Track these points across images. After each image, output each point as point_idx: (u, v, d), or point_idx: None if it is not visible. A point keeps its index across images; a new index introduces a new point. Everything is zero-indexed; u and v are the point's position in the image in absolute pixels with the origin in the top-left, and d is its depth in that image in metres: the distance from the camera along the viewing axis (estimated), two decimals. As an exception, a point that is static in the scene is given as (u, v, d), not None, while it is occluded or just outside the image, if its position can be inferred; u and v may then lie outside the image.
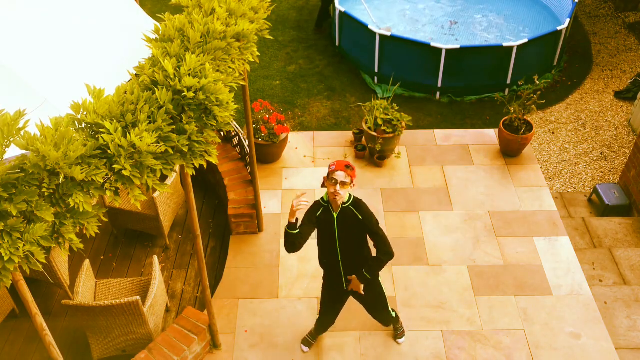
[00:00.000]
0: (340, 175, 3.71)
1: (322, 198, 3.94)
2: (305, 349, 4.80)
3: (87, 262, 4.76)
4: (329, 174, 3.77)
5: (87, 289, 4.67)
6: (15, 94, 3.42)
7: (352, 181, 3.75)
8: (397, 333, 4.87)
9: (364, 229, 3.93)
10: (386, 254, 3.93)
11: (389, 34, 7.93)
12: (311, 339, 4.79)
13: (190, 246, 5.90)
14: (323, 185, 3.85)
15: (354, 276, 4.11)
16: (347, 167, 3.73)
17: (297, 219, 3.85)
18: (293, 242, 3.84)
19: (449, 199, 6.17)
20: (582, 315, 5.06)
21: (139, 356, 4.47)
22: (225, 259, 5.64)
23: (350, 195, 3.89)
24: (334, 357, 4.78)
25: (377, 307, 4.51)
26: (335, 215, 3.87)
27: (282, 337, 4.94)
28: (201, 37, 3.32)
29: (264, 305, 5.18)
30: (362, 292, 4.15)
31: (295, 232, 3.83)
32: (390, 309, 4.59)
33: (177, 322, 4.70)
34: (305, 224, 3.91)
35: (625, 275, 5.54)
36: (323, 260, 4.23)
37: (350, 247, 4.03)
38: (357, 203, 3.89)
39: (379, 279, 4.32)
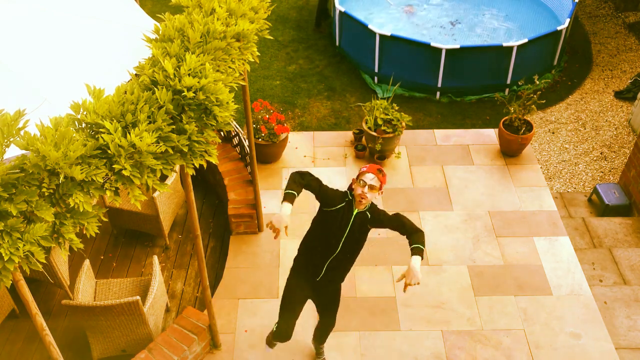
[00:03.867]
0: (370, 178, 3.58)
1: (350, 192, 3.75)
2: (269, 350, 4.64)
3: (87, 262, 4.76)
4: (359, 175, 3.64)
5: (87, 289, 4.67)
6: (15, 93, 3.42)
7: (380, 187, 3.62)
8: (320, 356, 4.74)
9: (367, 231, 3.81)
10: (420, 230, 3.73)
11: (412, 12, 7.94)
12: (270, 345, 4.62)
13: (190, 246, 5.90)
14: (350, 187, 3.74)
15: (414, 262, 3.56)
16: (379, 171, 3.61)
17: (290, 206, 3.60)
18: (298, 183, 3.66)
19: (449, 198, 6.17)
20: (582, 315, 5.06)
21: (139, 356, 4.47)
22: (225, 259, 5.65)
23: (371, 203, 3.77)
24: (334, 357, 4.78)
25: (334, 307, 4.32)
26: (354, 212, 3.72)
27: (282, 337, 4.94)
28: (201, 37, 3.32)
29: (264, 305, 5.18)
30: (419, 282, 3.59)
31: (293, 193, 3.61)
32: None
33: (177, 322, 4.70)
34: (323, 188, 3.73)
35: (625, 275, 5.54)
36: (310, 250, 3.98)
37: (348, 251, 3.90)
38: (374, 208, 3.78)
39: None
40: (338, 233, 3.80)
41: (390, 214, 3.80)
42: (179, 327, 4.65)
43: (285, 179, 6.38)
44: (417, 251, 3.62)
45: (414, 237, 3.70)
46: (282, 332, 4.31)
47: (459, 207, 6.08)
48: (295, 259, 4.16)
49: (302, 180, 3.68)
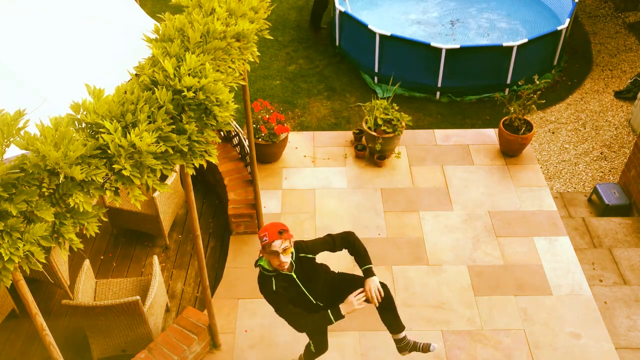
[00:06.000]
0: (278, 245, 3.36)
1: (262, 269, 3.56)
2: None
3: (87, 262, 4.75)
4: (264, 247, 3.39)
5: (87, 288, 4.67)
6: (15, 93, 3.42)
7: (290, 242, 3.43)
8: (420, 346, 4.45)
9: (317, 264, 3.72)
10: (351, 243, 3.66)
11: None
12: None
13: (190, 246, 5.90)
14: (257, 263, 3.56)
15: (366, 284, 3.64)
16: (281, 233, 3.36)
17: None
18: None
19: (449, 198, 6.17)
20: (582, 315, 5.06)
21: (139, 356, 4.47)
22: (225, 259, 5.64)
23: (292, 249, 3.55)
24: (334, 357, 4.78)
25: (354, 281, 4.10)
26: (293, 274, 3.57)
27: (282, 337, 4.93)
28: (201, 37, 3.31)
29: (264, 305, 5.16)
30: (382, 294, 3.67)
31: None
32: None
33: (177, 322, 4.70)
34: (288, 302, 3.60)
35: (625, 275, 5.54)
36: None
37: (318, 286, 3.79)
38: (300, 248, 3.60)
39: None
40: (299, 296, 3.70)
41: (317, 241, 3.68)
42: (179, 327, 4.65)
43: (286, 179, 6.38)
44: (367, 272, 3.65)
45: (356, 254, 3.67)
46: (321, 350, 4.26)
47: (459, 207, 6.08)
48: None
49: (303, 314, 3.62)
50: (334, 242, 3.69)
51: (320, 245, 3.68)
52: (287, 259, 3.44)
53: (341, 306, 3.56)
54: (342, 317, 3.56)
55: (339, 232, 3.73)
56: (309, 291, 3.74)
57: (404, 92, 8.29)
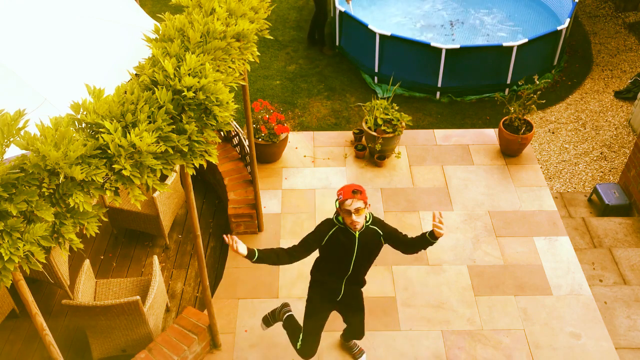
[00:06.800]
0: (350, 204, 3.50)
1: (336, 217, 3.69)
2: None
3: (87, 262, 4.76)
4: (339, 204, 3.55)
5: (87, 288, 4.67)
6: (15, 94, 3.42)
7: (365, 204, 3.55)
8: (355, 352, 4.75)
9: (380, 246, 3.80)
10: (409, 251, 3.78)
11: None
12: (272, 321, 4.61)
13: (190, 246, 5.90)
14: (337, 215, 3.67)
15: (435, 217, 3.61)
16: (355, 193, 3.49)
17: (249, 250, 3.59)
18: (275, 262, 3.67)
19: (449, 198, 6.17)
20: (582, 315, 5.06)
21: (139, 356, 4.47)
22: (225, 259, 5.65)
23: (370, 215, 3.72)
24: (334, 357, 4.78)
25: (362, 312, 4.36)
26: (357, 235, 3.67)
27: (282, 337, 4.93)
28: (201, 37, 3.32)
29: (264, 305, 5.18)
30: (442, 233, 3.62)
31: (255, 258, 3.61)
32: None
33: (177, 322, 4.70)
34: (310, 242, 3.70)
35: (625, 275, 5.54)
36: (324, 277, 4.00)
37: (362, 266, 3.89)
38: (377, 221, 3.74)
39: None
40: (346, 257, 3.78)
41: (403, 234, 3.75)
42: (179, 327, 4.65)
43: (286, 179, 6.38)
44: (424, 238, 3.69)
45: (412, 248, 3.75)
46: (308, 351, 4.26)
47: (459, 207, 6.08)
48: (312, 282, 4.17)
49: (277, 252, 3.67)
50: (402, 240, 3.73)
51: (394, 232, 3.75)
52: (359, 220, 3.53)
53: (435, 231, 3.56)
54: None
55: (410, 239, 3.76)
56: (356, 257, 3.77)
57: (404, 92, 8.29)
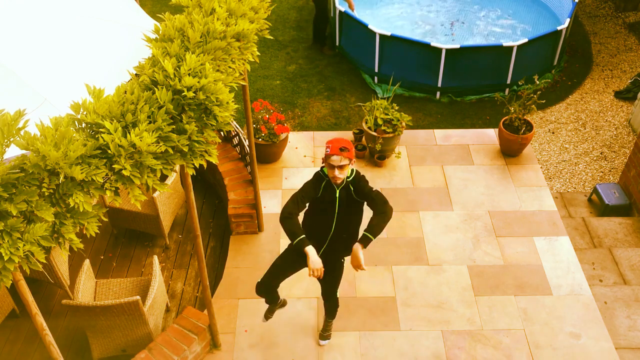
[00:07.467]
0: (336, 160, 3.60)
1: (322, 170, 3.78)
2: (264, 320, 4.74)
3: (87, 262, 4.76)
4: (326, 156, 3.65)
5: (87, 288, 4.67)
6: (15, 93, 3.42)
7: (350, 162, 3.62)
8: (325, 334, 4.80)
9: (357, 203, 3.82)
10: (384, 212, 3.71)
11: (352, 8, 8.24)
12: (269, 313, 4.70)
13: (190, 246, 5.90)
14: (323, 166, 3.76)
15: (355, 248, 3.71)
16: (342, 150, 3.57)
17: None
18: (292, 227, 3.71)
19: (449, 198, 6.17)
20: (582, 315, 5.06)
21: (139, 356, 4.47)
22: (225, 259, 5.65)
23: (352, 171, 3.76)
24: (334, 357, 4.78)
25: (334, 289, 4.37)
26: (337, 190, 3.75)
27: (282, 336, 4.94)
28: (201, 37, 3.32)
29: (264, 305, 5.18)
30: (364, 268, 3.74)
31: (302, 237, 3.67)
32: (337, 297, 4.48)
33: (177, 322, 4.70)
34: (305, 199, 3.76)
35: (625, 275, 5.54)
36: (308, 232, 3.85)
37: (344, 225, 3.91)
38: (356, 179, 3.77)
39: (344, 260, 4.20)
40: (329, 213, 3.85)
41: (367, 187, 3.79)
42: (179, 327, 4.65)
43: (286, 179, 6.38)
44: (363, 239, 3.71)
45: (372, 220, 3.73)
46: (261, 287, 4.32)
47: (459, 207, 6.08)
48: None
49: (294, 219, 3.71)
50: (374, 198, 3.76)
51: (369, 192, 3.77)
52: (340, 175, 3.63)
53: (309, 250, 3.63)
54: (301, 252, 3.65)
55: (384, 201, 3.76)
56: (338, 213, 3.84)
57: (404, 92, 8.29)
